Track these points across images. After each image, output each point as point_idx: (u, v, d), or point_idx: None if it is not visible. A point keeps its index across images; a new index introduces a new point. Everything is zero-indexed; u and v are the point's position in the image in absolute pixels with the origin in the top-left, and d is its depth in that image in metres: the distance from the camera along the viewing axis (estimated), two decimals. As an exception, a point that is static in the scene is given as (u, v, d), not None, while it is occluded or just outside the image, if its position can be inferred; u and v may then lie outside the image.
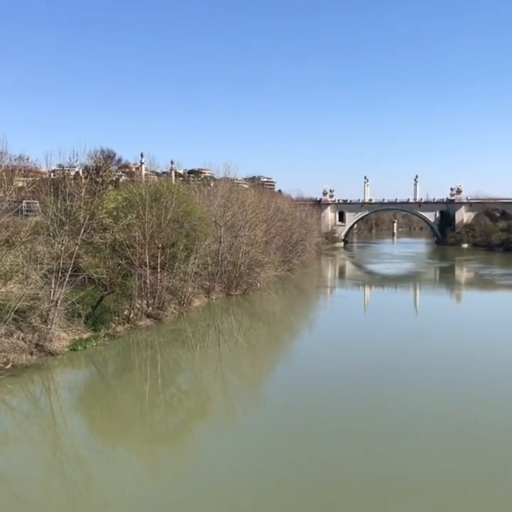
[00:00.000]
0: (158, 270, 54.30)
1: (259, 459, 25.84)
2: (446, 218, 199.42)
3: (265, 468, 24.79)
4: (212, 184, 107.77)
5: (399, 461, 25.39)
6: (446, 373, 38.99)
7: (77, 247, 45.55)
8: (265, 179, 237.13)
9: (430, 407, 31.79)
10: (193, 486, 23.25)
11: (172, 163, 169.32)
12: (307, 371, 40.00)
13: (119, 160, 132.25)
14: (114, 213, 54.63)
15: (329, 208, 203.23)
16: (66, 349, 41.73)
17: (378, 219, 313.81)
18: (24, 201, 74.13)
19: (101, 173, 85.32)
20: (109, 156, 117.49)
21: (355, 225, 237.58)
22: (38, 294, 41.20)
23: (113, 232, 51.83)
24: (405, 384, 36.66)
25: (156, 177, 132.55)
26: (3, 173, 44.84)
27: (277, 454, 26.15)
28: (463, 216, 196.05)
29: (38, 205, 63.67)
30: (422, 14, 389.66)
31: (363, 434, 28.20)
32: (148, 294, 53.76)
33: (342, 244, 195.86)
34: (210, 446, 27.29)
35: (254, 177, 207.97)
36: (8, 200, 41.23)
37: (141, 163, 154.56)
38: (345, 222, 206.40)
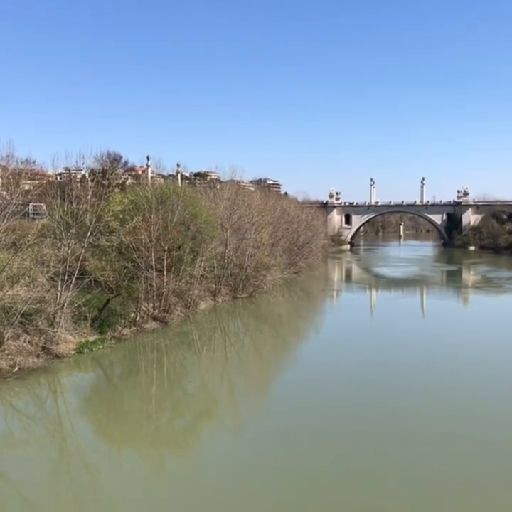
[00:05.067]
0: (165, 273, 54.29)
1: (265, 462, 25.75)
2: (453, 221, 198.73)
3: (272, 471, 24.69)
4: (218, 187, 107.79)
5: (408, 465, 25.28)
6: (454, 376, 38.82)
7: (83, 250, 45.64)
8: (271, 182, 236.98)
9: (441, 410, 31.63)
10: (199, 490, 23.17)
11: (178, 166, 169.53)
12: (314, 374, 39.85)
13: (126, 163, 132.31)
14: (121, 216, 54.70)
15: (335, 210, 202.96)
16: (72, 352, 41.77)
17: (385, 221, 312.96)
18: (31, 204, 74.19)
19: (107, 176, 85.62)
20: (115, 159, 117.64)
21: (362, 228, 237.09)
22: (44, 296, 41.26)
23: (119, 234, 51.89)
24: (414, 387, 36.45)
25: (162, 180, 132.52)
26: (10, 176, 45.02)
27: (284, 457, 26.02)
28: (470, 218, 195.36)
29: (44, 208, 63.77)
30: (430, 15, 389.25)
31: (370, 437, 28.08)
32: (155, 297, 53.74)
33: (348, 246, 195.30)
34: (216, 450, 27.22)
35: (260, 180, 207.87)
36: (15, 203, 41.33)
37: (148, 166, 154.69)
38: (351, 225, 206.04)
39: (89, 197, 48.34)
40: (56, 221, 45.50)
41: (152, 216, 54.46)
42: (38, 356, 39.07)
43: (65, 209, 45.58)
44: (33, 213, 76.54)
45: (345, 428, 29.62)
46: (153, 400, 36.49)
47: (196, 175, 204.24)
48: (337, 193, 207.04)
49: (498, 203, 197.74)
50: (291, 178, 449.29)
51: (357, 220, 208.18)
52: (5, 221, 39.31)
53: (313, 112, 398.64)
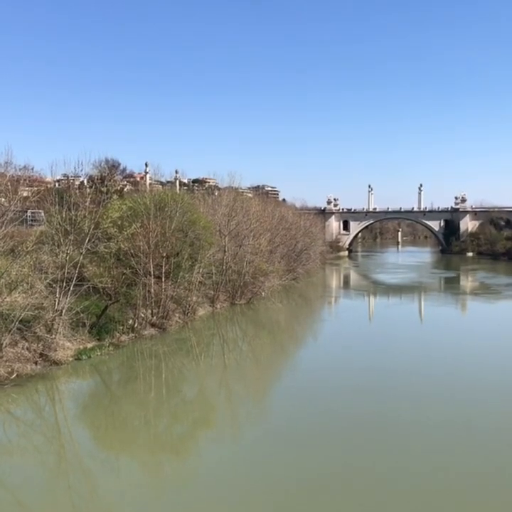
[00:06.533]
0: (163, 279, 54.34)
1: (263, 470, 25.69)
2: (451, 227, 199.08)
3: (269, 479, 24.64)
4: (216, 193, 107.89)
5: (408, 473, 25.26)
6: (452, 383, 38.84)
7: (81, 257, 45.67)
8: (269, 188, 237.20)
9: (439, 416, 31.64)
10: (197, 497, 23.14)
11: (176, 172, 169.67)
12: (312, 381, 39.84)
13: (124, 169, 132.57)
14: (119, 223, 54.74)
15: (333, 216, 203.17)
16: (70, 358, 41.70)
17: (383, 228, 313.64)
18: (29, 211, 74.31)
19: (106, 183, 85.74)
20: (113, 166, 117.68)
21: (360, 234, 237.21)
22: (42, 303, 41.24)
23: (117, 241, 51.93)
24: (413, 394, 36.47)
25: (160, 186, 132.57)
26: (8, 183, 45.05)
27: (282, 465, 25.97)
28: (467, 225, 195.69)
29: (42, 214, 63.83)
30: (423, 21, 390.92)
31: (370, 445, 28.05)
32: (153, 304, 53.74)
33: (346, 253, 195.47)
34: (214, 457, 27.18)
35: (258, 186, 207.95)
36: (13, 210, 41.37)
37: (146, 173, 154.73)
38: (349, 231, 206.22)
39: (87, 203, 48.38)
40: (54, 228, 45.53)
41: (150, 223, 54.50)
42: (36, 363, 39.04)
43: (64, 216, 45.63)
44: (32, 220, 76.60)
45: (344, 435, 29.60)
46: (151, 407, 36.41)
47: (194, 181, 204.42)
48: (335, 200, 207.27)
49: (496, 210, 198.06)
50: (289, 184, 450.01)
51: (355, 227, 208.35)
52: (3, 228, 39.35)
53: (311, 118, 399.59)
